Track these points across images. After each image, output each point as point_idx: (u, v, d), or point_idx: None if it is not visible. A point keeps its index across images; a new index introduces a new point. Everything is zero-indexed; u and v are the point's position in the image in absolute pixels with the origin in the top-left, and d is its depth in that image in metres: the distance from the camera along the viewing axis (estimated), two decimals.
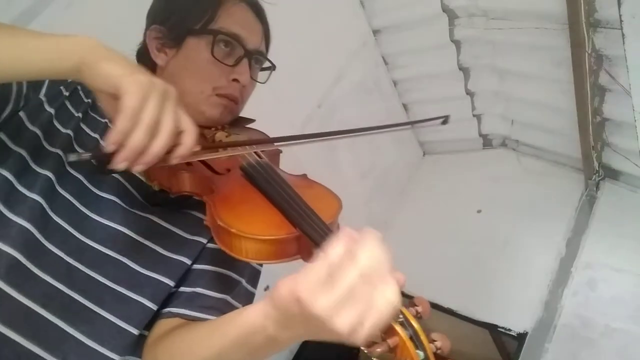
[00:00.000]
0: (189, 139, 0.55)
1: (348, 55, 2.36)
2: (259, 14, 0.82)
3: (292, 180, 0.71)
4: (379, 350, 0.44)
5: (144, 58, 0.81)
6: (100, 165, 0.54)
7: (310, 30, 2.00)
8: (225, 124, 0.80)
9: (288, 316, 0.45)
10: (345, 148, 2.49)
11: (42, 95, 0.69)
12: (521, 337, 2.21)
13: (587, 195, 2.42)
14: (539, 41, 2.00)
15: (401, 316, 0.45)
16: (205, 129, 0.79)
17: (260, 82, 0.86)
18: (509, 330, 2.27)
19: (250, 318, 0.50)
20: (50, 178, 0.64)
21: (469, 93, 2.55)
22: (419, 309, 0.47)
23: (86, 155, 0.55)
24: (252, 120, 0.87)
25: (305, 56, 2.01)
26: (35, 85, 0.69)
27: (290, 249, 0.58)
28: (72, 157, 0.56)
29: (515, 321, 2.26)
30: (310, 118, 2.25)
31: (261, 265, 0.78)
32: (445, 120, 0.87)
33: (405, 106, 2.82)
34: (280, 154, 0.85)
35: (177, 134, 0.54)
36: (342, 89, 2.35)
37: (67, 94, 0.72)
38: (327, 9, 2.10)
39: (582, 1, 1.62)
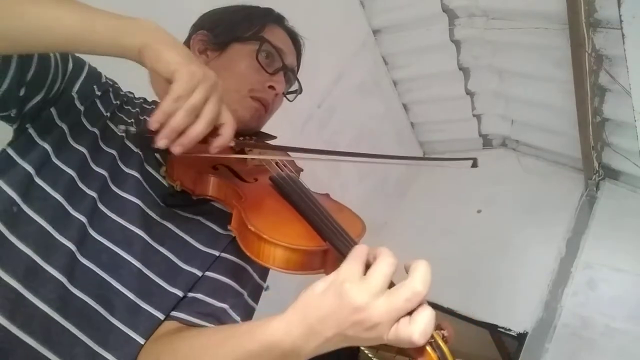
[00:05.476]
0: (228, 131, 0.59)
1: (348, 55, 2.36)
2: (295, 42, 0.92)
3: (318, 197, 0.74)
4: None
5: None
6: (143, 142, 0.61)
7: (310, 30, 2.00)
8: (252, 136, 0.83)
9: (323, 322, 0.47)
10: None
11: (74, 92, 0.71)
12: (521, 337, 2.20)
13: (587, 195, 2.41)
14: (539, 41, 1.99)
15: (431, 338, 0.47)
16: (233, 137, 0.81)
17: (289, 100, 0.93)
18: (509, 330, 2.26)
19: (273, 328, 0.50)
20: (72, 177, 0.65)
21: (469, 93, 2.55)
22: (445, 332, 0.49)
23: (133, 130, 0.64)
24: (273, 137, 0.90)
25: (305, 56, 2.01)
26: (69, 81, 0.70)
27: (316, 262, 0.59)
28: (121, 128, 0.68)
29: (515, 321, 2.25)
30: (310, 118, 2.24)
31: (264, 281, 0.79)
32: (474, 162, 0.87)
33: (405, 106, 2.83)
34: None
35: (218, 126, 0.58)
36: (342, 89, 2.35)
37: (99, 93, 0.74)
38: (327, 9, 2.10)
39: (582, 1, 1.62)
